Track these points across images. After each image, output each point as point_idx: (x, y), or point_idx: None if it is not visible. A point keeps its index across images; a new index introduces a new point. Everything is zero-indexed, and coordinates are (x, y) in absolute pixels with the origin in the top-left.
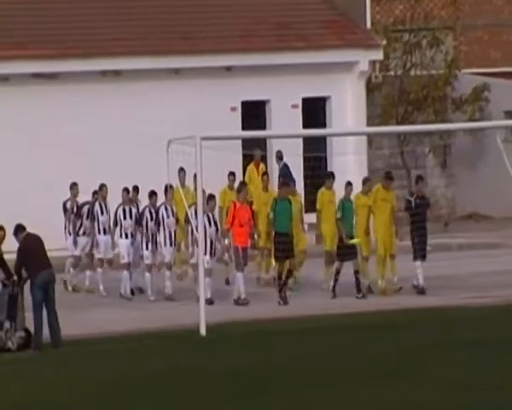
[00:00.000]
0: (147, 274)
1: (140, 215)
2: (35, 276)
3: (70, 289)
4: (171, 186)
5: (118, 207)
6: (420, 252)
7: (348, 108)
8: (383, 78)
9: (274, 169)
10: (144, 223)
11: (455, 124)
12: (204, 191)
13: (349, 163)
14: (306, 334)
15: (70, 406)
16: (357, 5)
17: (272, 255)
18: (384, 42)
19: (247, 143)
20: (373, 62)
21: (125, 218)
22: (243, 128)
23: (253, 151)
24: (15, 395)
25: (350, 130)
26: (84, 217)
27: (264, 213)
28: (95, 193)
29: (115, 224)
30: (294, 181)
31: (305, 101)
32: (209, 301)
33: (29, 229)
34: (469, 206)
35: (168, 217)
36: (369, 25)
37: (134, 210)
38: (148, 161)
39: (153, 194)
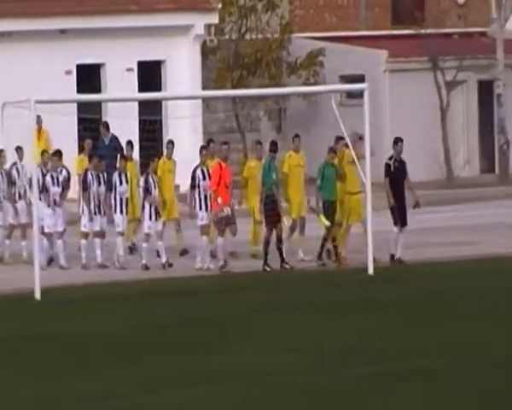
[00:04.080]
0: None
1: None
2: None
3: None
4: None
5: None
6: (401, 219)
7: (183, 72)
8: (218, 42)
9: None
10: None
11: (289, 88)
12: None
13: (184, 126)
14: (141, 298)
15: None
16: None
17: (264, 221)
18: (219, 5)
19: (83, 107)
20: (208, 26)
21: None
22: (78, 91)
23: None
24: None
25: (185, 94)
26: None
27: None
28: None
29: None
30: (122, 151)
31: (141, 64)
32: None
33: None
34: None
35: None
36: None
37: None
38: None
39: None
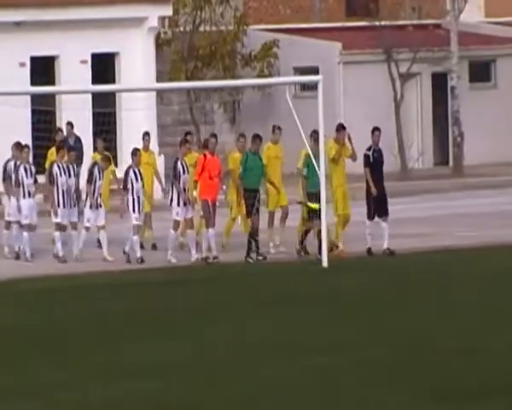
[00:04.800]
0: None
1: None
2: None
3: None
4: (137, 150)
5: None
6: (382, 210)
7: (137, 64)
8: (173, 34)
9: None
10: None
11: (244, 80)
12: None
13: (138, 119)
14: (84, 291)
15: None
16: None
17: (245, 211)
18: None
19: (36, 99)
20: (162, 18)
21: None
22: (32, 84)
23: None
24: None
25: (139, 86)
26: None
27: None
28: None
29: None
30: (82, 155)
31: (95, 56)
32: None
33: None
34: None
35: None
36: None
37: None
38: None
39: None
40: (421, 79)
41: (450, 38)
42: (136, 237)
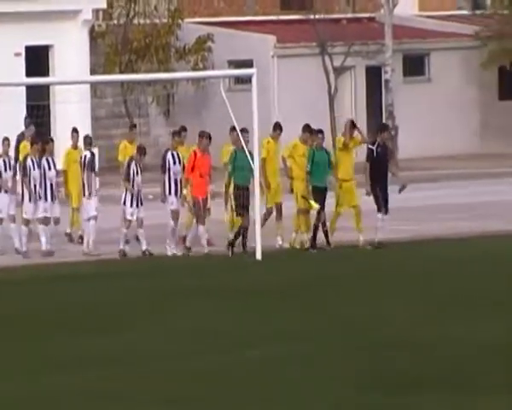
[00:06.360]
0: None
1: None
2: None
3: None
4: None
5: None
6: (384, 204)
7: (72, 57)
8: (107, 26)
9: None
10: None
11: (179, 73)
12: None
13: (72, 111)
14: (36, 283)
15: None
16: None
17: (234, 210)
18: None
19: None
20: (96, 11)
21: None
22: None
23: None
24: None
25: (73, 78)
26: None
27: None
28: None
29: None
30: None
31: (29, 49)
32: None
33: None
34: None
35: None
36: None
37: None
38: None
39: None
40: (355, 73)
41: (384, 31)
42: (141, 230)
